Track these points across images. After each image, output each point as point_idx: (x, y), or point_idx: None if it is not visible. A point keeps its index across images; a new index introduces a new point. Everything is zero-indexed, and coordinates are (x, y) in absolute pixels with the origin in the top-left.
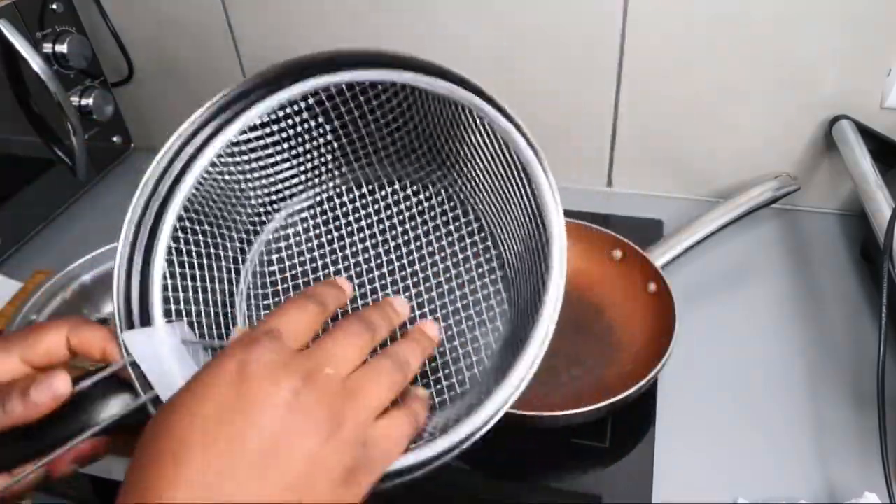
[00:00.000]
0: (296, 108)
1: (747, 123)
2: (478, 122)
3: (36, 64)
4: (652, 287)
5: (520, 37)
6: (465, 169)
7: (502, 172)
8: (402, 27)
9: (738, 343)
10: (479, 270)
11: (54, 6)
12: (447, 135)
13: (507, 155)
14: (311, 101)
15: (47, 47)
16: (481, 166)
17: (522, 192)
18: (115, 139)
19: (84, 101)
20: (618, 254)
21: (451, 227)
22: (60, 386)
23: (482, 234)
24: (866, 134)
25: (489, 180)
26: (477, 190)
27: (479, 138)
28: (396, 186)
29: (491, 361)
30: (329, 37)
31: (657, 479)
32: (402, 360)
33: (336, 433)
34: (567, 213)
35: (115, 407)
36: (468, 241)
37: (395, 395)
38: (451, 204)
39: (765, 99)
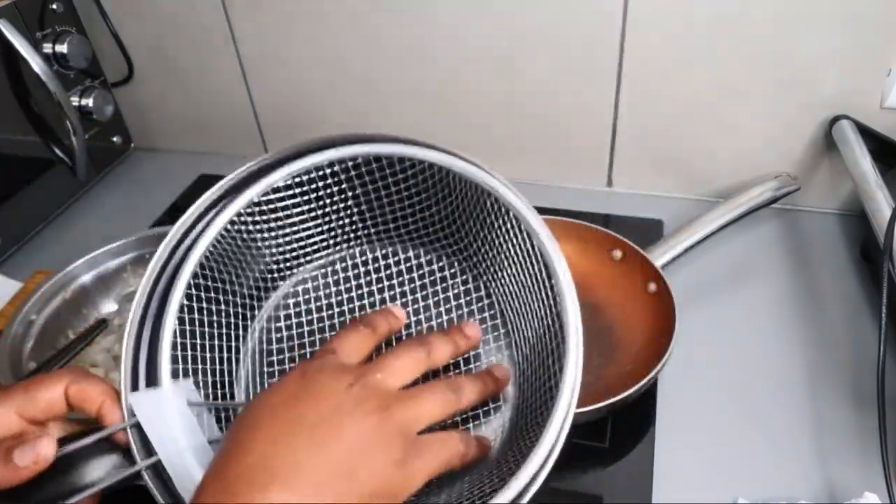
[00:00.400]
0: (321, 173)
1: (747, 123)
2: (502, 209)
3: (36, 64)
4: (652, 287)
5: (520, 37)
6: (482, 248)
7: (521, 261)
8: (402, 27)
9: (738, 343)
10: (486, 347)
11: (54, 6)
12: (468, 215)
13: (529, 246)
14: (336, 167)
15: (47, 47)
16: (499, 250)
17: (540, 285)
18: (115, 139)
19: (84, 101)
20: (618, 254)
21: (462, 300)
22: (44, 450)
23: (492, 312)
24: (866, 134)
25: (506, 264)
26: (492, 270)
27: (501, 224)
28: (411, 254)
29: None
30: (329, 36)
31: (657, 479)
32: (459, 386)
33: (383, 423)
34: (567, 213)
35: (102, 470)
36: (477, 316)
37: (444, 414)
38: (465, 278)
39: (765, 99)
